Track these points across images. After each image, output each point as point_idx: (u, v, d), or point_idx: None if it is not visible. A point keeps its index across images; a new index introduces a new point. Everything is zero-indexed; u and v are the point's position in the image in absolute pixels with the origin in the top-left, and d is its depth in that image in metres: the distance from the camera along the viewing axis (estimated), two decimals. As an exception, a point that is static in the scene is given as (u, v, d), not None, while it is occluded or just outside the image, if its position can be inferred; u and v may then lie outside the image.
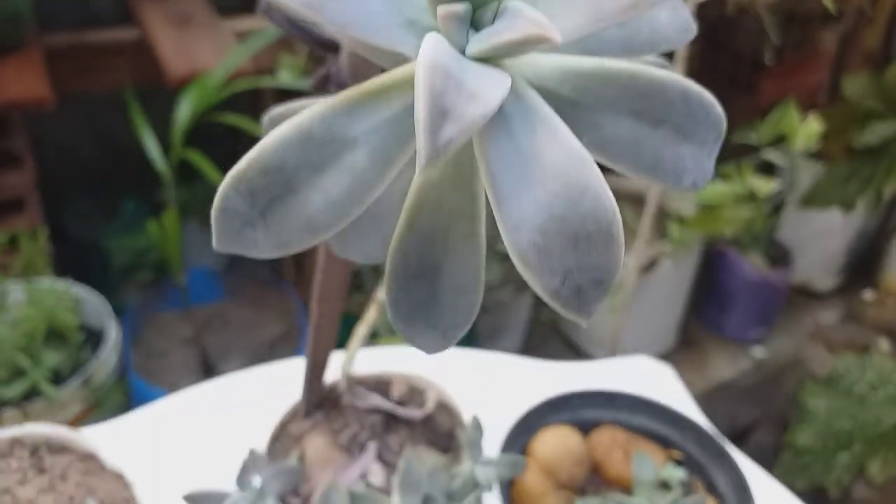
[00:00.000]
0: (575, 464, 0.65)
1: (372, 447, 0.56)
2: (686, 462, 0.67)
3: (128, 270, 1.75)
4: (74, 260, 1.69)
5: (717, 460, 0.66)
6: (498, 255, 1.63)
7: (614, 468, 0.66)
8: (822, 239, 2.20)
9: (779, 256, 2.06)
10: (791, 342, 2.13)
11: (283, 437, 0.58)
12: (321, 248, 0.50)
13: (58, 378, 1.23)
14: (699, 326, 2.15)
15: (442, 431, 0.59)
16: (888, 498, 1.61)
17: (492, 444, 0.62)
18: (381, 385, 0.62)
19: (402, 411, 0.58)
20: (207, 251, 1.98)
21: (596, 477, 0.67)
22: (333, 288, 0.52)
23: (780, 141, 1.91)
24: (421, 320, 0.27)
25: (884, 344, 1.82)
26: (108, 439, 0.61)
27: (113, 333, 1.47)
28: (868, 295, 2.34)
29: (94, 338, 1.50)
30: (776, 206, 1.86)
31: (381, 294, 0.64)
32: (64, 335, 1.13)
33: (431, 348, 0.28)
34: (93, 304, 1.55)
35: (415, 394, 0.62)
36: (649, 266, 1.83)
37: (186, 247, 1.88)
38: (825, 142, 1.62)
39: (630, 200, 1.98)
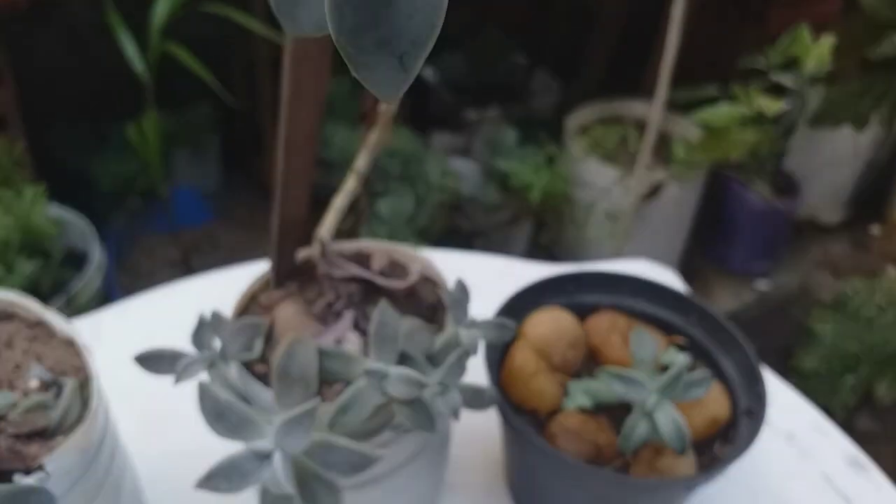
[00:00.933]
0: (569, 346, 0.60)
1: (348, 315, 0.51)
2: (690, 348, 0.62)
3: (116, 196, 1.70)
4: (62, 186, 1.65)
5: (725, 346, 0.61)
6: (496, 176, 1.58)
7: (612, 353, 0.61)
8: (829, 169, 2.14)
9: (785, 186, 2.00)
10: (796, 276, 2.08)
11: (251, 307, 0.53)
12: (286, 83, 0.44)
13: (40, 297, 1.19)
14: (703, 260, 2.10)
15: (426, 304, 0.54)
16: (891, 430, 1.58)
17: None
18: (360, 257, 0.57)
19: (382, 280, 0.53)
20: (197, 177, 1.91)
21: (592, 362, 0.62)
22: (301, 133, 0.47)
23: (790, 65, 1.84)
24: (370, 37, 0.21)
25: (893, 272, 1.78)
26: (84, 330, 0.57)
27: (97, 254, 1.43)
28: (875, 229, 2.29)
29: (78, 260, 1.46)
30: (785, 130, 1.79)
31: (360, 162, 0.58)
32: (42, 247, 1.08)
33: (387, 84, 0.22)
34: (77, 227, 1.51)
35: (397, 267, 0.57)
36: (652, 193, 1.77)
37: (176, 174, 1.83)
38: (838, 58, 1.55)
39: (633, 125, 1.92)
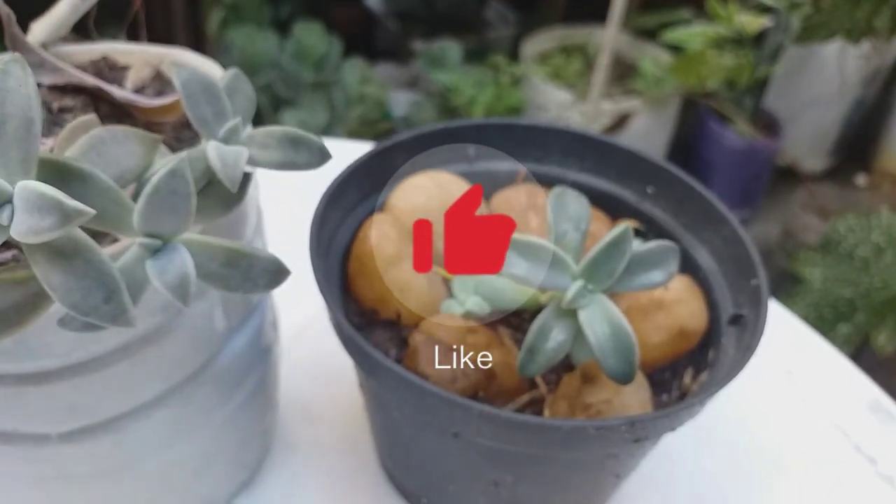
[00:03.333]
0: (462, 228, 0.39)
1: (49, 141, 0.29)
2: (648, 234, 0.41)
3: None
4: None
5: (699, 228, 0.40)
6: (436, 95, 1.35)
7: (530, 242, 0.40)
8: (813, 109, 1.94)
9: (766, 126, 1.80)
10: (777, 224, 1.88)
11: None
12: None
13: None
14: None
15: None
16: (893, 382, 1.39)
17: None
18: (106, 68, 0.35)
19: (117, 91, 0.31)
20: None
21: (500, 256, 0.41)
22: None
23: (774, -16, 1.63)
24: None
25: (886, 212, 1.58)
26: None
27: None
28: (861, 179, 2.11)
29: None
30: (768, 55, 1.58)
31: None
32: None
33: None
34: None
35: (168, 86, 0.35)
36: (617, 124, 1.56)
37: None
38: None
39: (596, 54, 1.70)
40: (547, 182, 0.43)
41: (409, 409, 0.31)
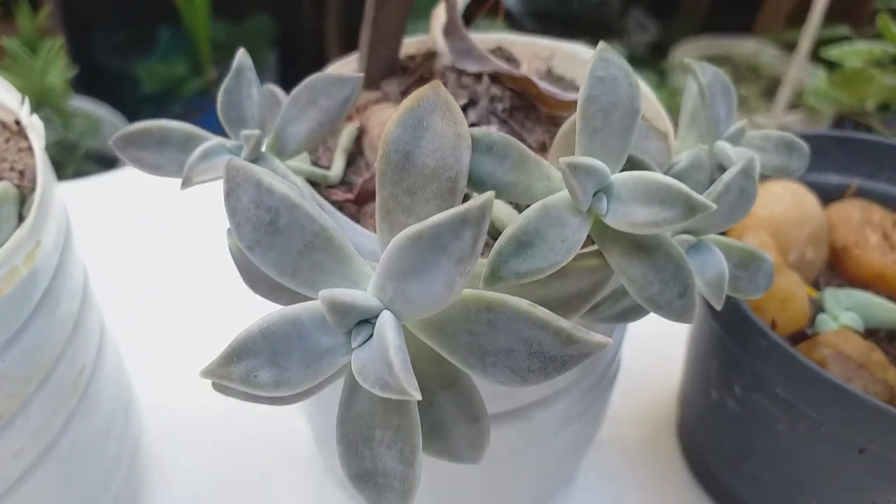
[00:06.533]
0: (811, 240, 0.38)
1: (493, 130, 0.30)
2: None
3: (160, 100, 1.53)
4: (105, 90, 1.48)
5: None
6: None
7: (866, 258, 0.39)
8: (963, 136, 1.86)
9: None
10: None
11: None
12: None
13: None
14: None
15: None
16: None
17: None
18: (502, 58, 0.35)
19: (542, 84, 0.32)
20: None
21: (832, 271, 0.40)
22: None
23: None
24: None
25: None
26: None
27: (130, 154, 1.24)
28: None
29: (111, 163, 1.29)
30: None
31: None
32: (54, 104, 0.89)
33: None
34: (113, 126, 1.34)
35: (556, 80, 0.35)
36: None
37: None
38: None
39: (744, 65, 1.67)
40: (876, 198, 0.42)
41: (820, 420, 0.31)
